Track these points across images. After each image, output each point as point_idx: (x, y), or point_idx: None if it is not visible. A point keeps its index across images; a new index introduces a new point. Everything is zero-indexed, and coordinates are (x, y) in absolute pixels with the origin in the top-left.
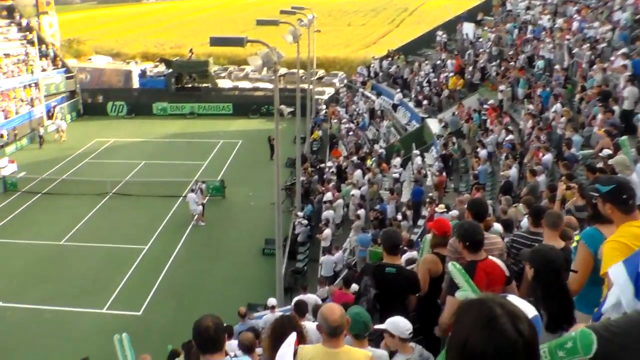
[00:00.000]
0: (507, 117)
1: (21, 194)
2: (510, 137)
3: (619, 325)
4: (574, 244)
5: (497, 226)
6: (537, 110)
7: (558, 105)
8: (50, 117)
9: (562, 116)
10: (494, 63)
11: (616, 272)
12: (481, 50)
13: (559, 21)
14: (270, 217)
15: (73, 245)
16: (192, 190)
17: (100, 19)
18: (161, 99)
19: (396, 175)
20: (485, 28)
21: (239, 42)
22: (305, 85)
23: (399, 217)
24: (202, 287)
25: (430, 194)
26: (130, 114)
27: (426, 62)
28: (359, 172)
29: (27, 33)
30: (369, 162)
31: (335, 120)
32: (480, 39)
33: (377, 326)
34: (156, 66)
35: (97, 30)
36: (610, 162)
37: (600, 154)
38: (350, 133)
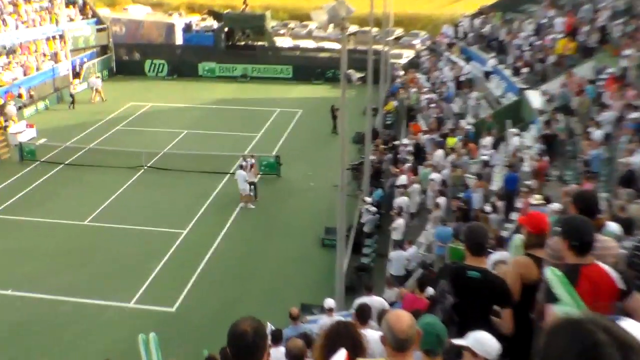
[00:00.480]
0: (632, 89)
1: (40, 164)
2: (636, 114)
3: None
4: None
5: (613, 226)
6: None
7: None
8: (76, 75)
9: None
10: (618, 21)
11: None
12: (602, 4)
13: None
14: (332, 201)
15: (98, 227)
16: (241, 167)
17: None
18: (208, 59)
19: (486, 158)
20: None
21: None
22: (379, 47)
23: (488, 208)
24: (249, 282)
25: (528, 182)
26: (172, 75)
27: (528, 20)
28: (440, 152)
29: None
30: (452, 141)
31: (415, 89)
32: None
33: (456, 341)
34: (203, 19)
35: None
36: None
37: None
38: (432, 105)
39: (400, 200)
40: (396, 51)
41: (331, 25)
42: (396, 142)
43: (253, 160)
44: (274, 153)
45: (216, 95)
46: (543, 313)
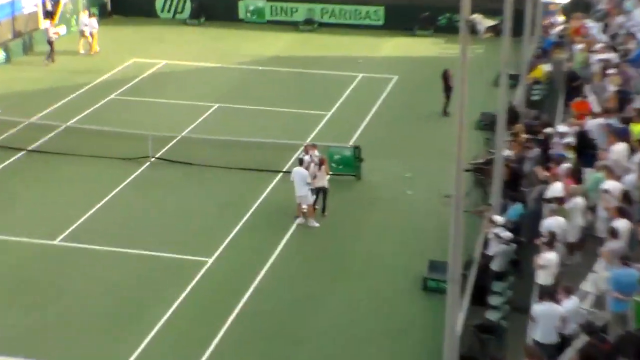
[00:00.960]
0: None
1: None
2: None
3: None
4: None
5: None
6: None
7: None
8: (50, 15)
9: None
10: None
11: None
12: None
13: None
14: (441, 221)
15: (74, 249)
16: (301, 162)
17: None
18: None
19: None
20: None
21: None
22: None
23: None
24: (302, 349)
25: None
26: (197, 18)
27: None
28: (621, 147)
29: None
30: None
31: (581, 46)
32: None
33: None
34: None
35: None
36: None
37: None
38: (610, 71)
39: (551, 223)
40: None
41: None
42: (548, 130)
43: (317, 153)
44: (351, 143)
45: (265, 51)
46: None
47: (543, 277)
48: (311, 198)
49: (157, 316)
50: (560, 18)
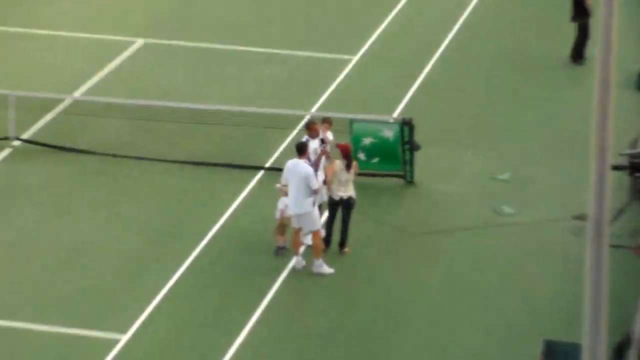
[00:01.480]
0: None
1: None
2: None
3: None
4: None
5: None
6: None
7: None
8: None
9: None
10: None
11: None
12: None
13: None
14: (566, 265)
15: None
16: (301, 151)
17: None
18: None
19: None
20: None
21: None
22: None
23: None
24: None
25: None
26: None
27: None
28: None
29: None
30: None
31: None
32: None
33: None
34: None
35: None
36: None
37: None
38: None
39: None
40: None
41: None
42: None
43: (331, 136)
44: (395, 113)
45: None
46: None
47: None
48: (318, 221)
49: None
50: None
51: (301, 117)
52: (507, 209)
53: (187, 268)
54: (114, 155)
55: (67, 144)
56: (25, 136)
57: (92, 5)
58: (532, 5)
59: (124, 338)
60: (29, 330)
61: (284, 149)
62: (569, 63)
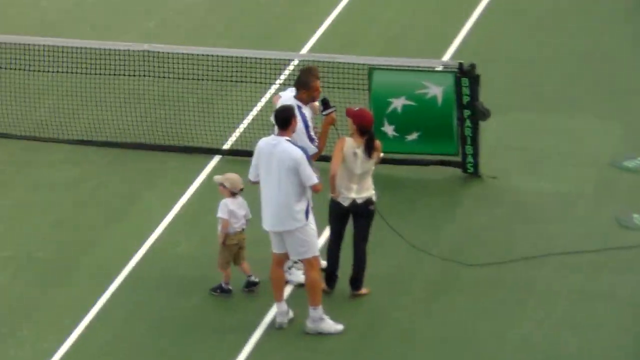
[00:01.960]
0: None
1: None
2: None
3: None
4: None
5: None
6: None
7: None
8: None
9: None
10: None
11: None
12: None
13: None
14: None
15: None
16: (284, 122)
17: None
18: None
19: None
20: None
21: None
22: None
23: None
24: None
25: None
26: None
27: None
28: None
29: None
30: None
31: None
32: None
33: None
34: None
35: None
36: None
37: None
38: None
39: None
40: None
41: None
42: None
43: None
44: (448, 55)
45: None
46: None
47: None
48: (315, 241)
49: None
50: None
51: (283, 63)
52: None
53: (100, 312)
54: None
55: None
56: None
57: None
58: None
59: None
60: None
61: (253, 121)
62: None
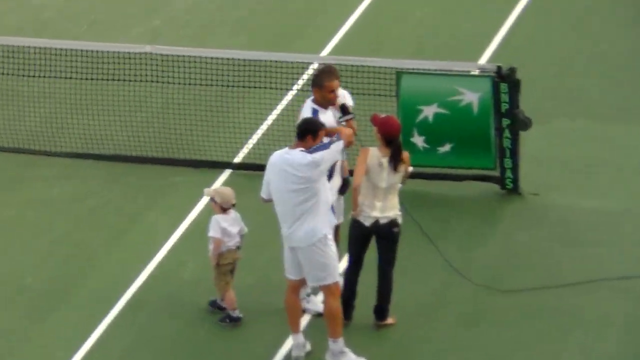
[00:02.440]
0: None
1: None
2: None
3: None
4: None
5: None
6: None
7: None
8: None
9: None
10: None
11: None
12: None
13: None
14: None
15: None
16: (305, 132)
17: None
18: None
19: None
20: None
21: None
22: None
23: None
24: None
25: None
26: None
27: None
28: None
29: None
30: None
31: None
32: None
33: None
34: None
35: None
36: None
37: None
38: None
39: None
40: None
41: None
42: None
43: (351, 100)
44: (485, 57)
45: None
46: None
47: None
48: (336, 264)
49: None
50: None
51: (302, 67)
52: None
53: (98, 343)
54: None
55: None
56: None
57: None
58: None
59: None
60: None
61: (268, 132)
62: None
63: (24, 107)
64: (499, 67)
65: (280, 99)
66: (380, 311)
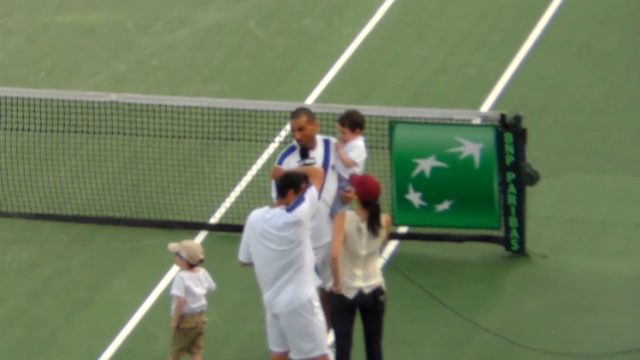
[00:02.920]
0: None
1: None
2: None
3: None
4: None
5: None
6: None
7: None
8: None
9: None
10: None
11: None
12: None
13: None
14: None
15: None
16: (290, 184)
17: None
18: None
19: None
20: None
21: None
22: None
23: None
24: None
25: None
26: None
27: None
28: None
29: None
30: None
31: None
32: None
33: None
34: None
35: None
36: None
37: None
38: None
39: None
40: None
41: None
42: None
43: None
44: (488, 104)
45: None
46: None
47: None
48: (324, 332)
49: None
50: None
51: (285, 116)
52: None
53: None
54: None
55: None
56: None
57: None
58: None
59: None
60: None
61: (247, 189)
62: None
63: None
64: (503, 115)
65: (261, 152)
66: None
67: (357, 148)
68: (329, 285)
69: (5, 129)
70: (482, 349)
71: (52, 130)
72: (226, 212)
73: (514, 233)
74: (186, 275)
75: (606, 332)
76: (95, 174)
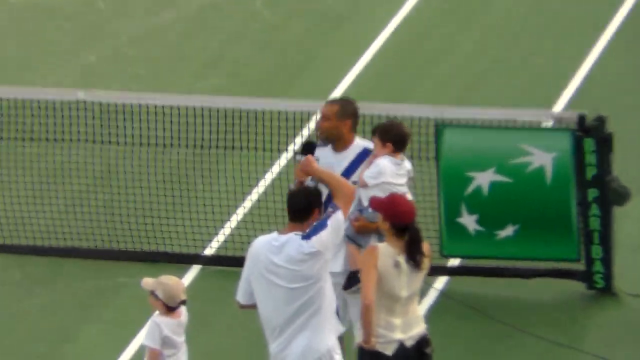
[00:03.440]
0: None
1: None
2: None
3: None
4: None
5: None
6: None
7: None
8: None
9: None
10: None
11: None
12: None
13: None
14: None
15: None
16: (304, 210)
17: None
18: None
19: None
20: None
21: None
22: None
23: None
24: None
25: None
26: None
27: None
28: None
29: None
30: None
31: None
32: None
33: None
34: None
35: None
36: None
37: None
38: None
39: None
40: None
41: None
42: None
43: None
44: (562, 104)
45: None
46: None
47: None
48: None
49: None
50: None
51: (300, 119)
52: None
53: None
54: None
55: None
56: None
57: None
58: None
59: None
60: None
61: (251, 212)
62: None
63: None
64: (582, 117)
65: (270, 165)
66: None
67: (375, 166)
68: (357, 340)
69: None
70: None
71: (0, 138)
72: (225, 241)
73: (598, 266)
74: (163, 321)
75: None
76: (58, 193)
